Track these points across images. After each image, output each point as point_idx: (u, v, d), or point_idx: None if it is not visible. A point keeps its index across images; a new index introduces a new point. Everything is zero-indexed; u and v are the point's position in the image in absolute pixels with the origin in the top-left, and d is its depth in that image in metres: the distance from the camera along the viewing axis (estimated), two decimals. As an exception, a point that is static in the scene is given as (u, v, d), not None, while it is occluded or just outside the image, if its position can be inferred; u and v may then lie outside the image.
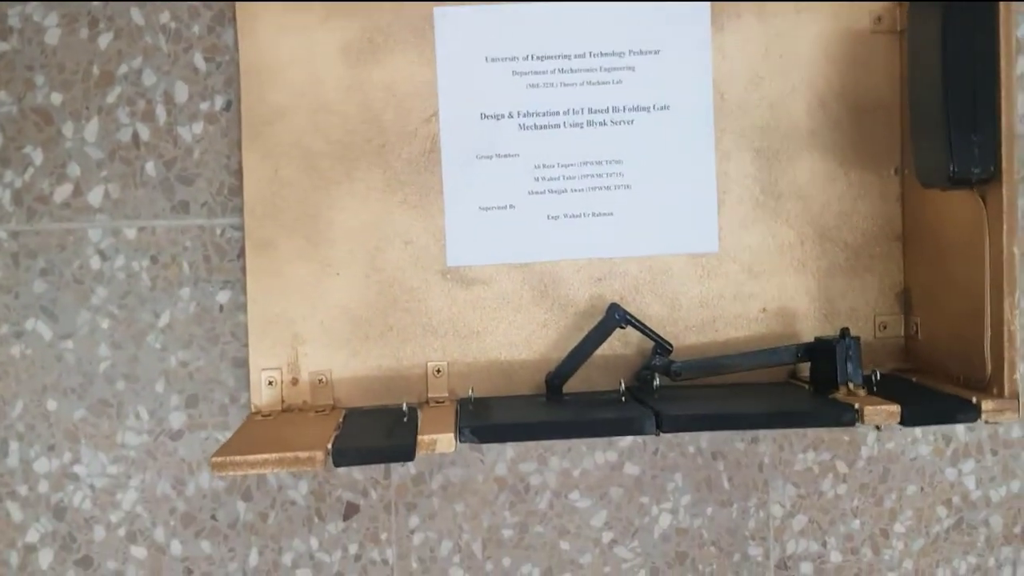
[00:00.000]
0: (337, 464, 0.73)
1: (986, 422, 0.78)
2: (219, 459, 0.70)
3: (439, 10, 0.88)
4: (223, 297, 0.89)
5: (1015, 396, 0.78)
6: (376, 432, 0.78)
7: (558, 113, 0.90)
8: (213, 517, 0.90)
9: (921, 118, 0.82)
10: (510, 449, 0.93)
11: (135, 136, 0.88)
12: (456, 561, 0.93)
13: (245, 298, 0.87)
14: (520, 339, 0.91)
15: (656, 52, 0.90)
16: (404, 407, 0.83)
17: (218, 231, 0.89)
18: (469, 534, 0.92)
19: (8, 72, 0.86)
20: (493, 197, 0.90)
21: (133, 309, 0.88)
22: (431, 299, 0.89)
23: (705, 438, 0.94)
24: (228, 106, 0.88)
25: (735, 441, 0.95)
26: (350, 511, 0.91)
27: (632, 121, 0.91)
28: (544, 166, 0.90)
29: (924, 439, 0.97)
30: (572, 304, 0.91)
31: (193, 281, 0.88)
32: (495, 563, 0.93)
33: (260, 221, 0.87)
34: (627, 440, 0.94)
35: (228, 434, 0.90)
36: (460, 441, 0.76)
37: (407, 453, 0.73)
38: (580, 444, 0.94)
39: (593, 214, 0.91)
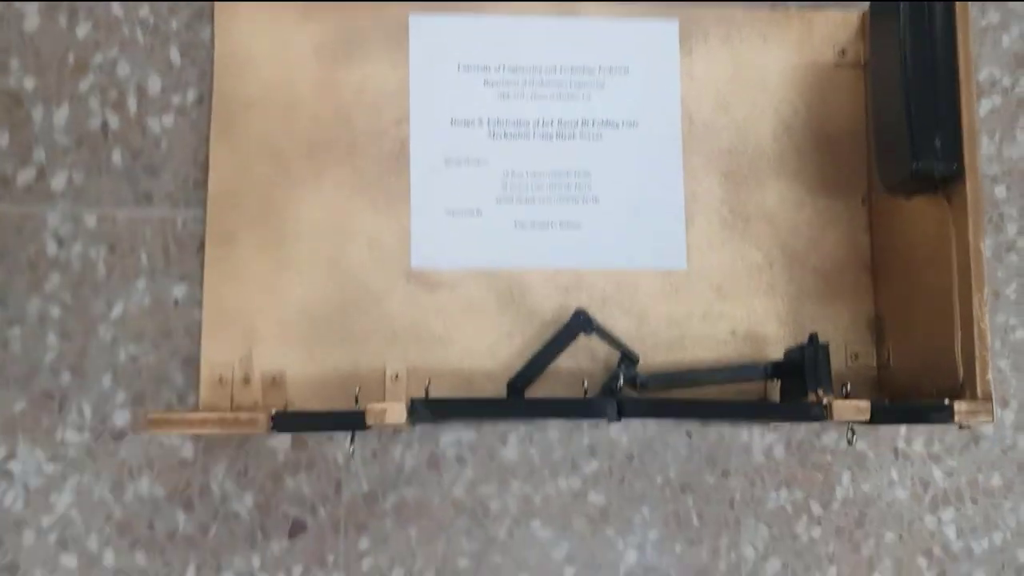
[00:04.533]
0: (278, 428, 0.81)
1: (959, 426, 0.88)
2: (157, 415, 0.76)
3: (414, 17, 1.03)
4: (179, 291, 0.98)
5: (988, 398, 0.88)
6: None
7: (528, 124, 1.04)
8: (150, 527, 0.95)
9: (883, 121, 0.96)
10: (469, 470, 0.98)
11: (104, 125, 1.00)
12: (407, 589, 0.97)
13: (202, 294, 0.95)
14: (484, 347, 1.00)
15: (625, 70, 1.04)
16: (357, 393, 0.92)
17: (180, 223, 0.99)
18: (422, 562, 0.98)
19: (-17, 55, 0.97)
20: (460, 202, 1.02)
21: (86, 299, 0.97)
22: (393, 302, 0.99)
23: (673, 468, 1.02)
24: (200, 100, 1.01)
25: (704, 474, 1.02)
26: (296, 529, 0.96)
27: (600, 136, 1.04)
28: (513, 174, 1.03)
29: (901, 482, 1.05)
30: (538, 314, 1.01)
31: (150, 273, 0.98)
32: (449, 593, 0.98)
33: (223, 213, 0.98)
34: (592, 465, 1.01)
35: (173, 438, 0.97)
36: (411, 419, 0.84)
37: (357, 421, 0.80)
38: (543, 468, 1.01)
39: (560, 224, 1.03)
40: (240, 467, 0.99)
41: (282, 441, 1.00)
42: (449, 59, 1.04)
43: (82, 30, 1.00)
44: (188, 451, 0.98)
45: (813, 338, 0.95)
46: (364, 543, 0.99)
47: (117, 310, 0.98)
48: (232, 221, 0.99)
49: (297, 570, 0.98)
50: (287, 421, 0.83)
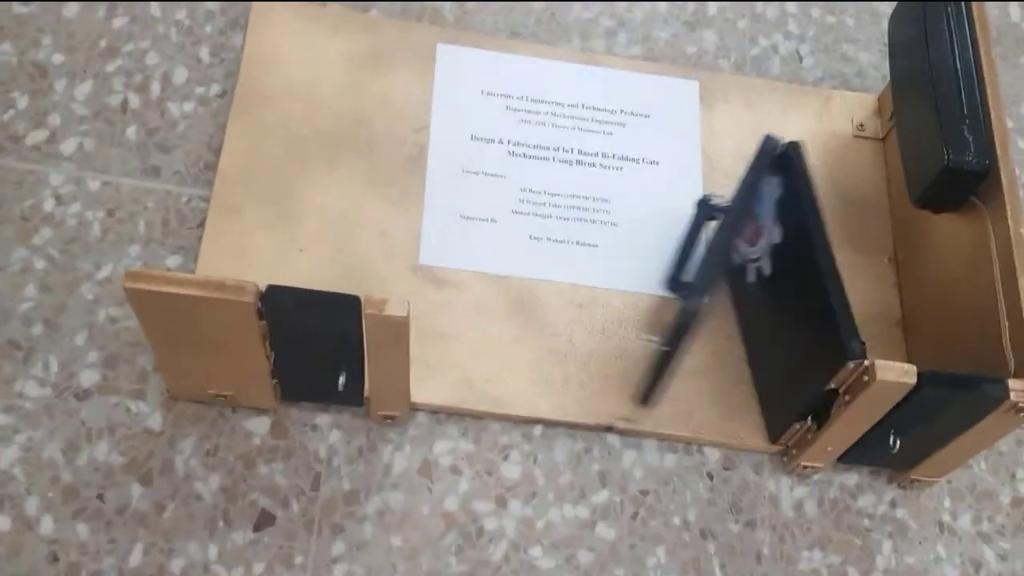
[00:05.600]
0: (269, 301, 0.75)
1: (1016, 410, 0.79)
2: (136, 270, 0.71)
3: (442, 46, 1.06)
4: (173, 262, 0.95)
5: None
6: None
7: (548, 148, 1.06)
8: (100, 497, 0.85)
9: (910, 134, 0.97)
10: (464, 482, 0.89)
11: (124, 103, 1.01)
12: (383, 607, 0.84)
13: (195, 266, 0.91)
14: (490, 350, 0.94)
15: (647, 116, 1.08)
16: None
17: (184, 199, 0.98)
18: (403, 576, 0.85)
19: (18, 29, 1.04)
20: (475, 209, 1.02)
21: (75, 256, 0.94)
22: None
23: (692, 511, 0.91)
24: (223, 94, 1.03)
25: (727, 522, 0.91)
26: (264, 521, 0.86)
27: (621, 168, 1.05)
28: (531, 191, 1.03)
29: (949, 559, 0.94)
30: (549, 325, 0.97)
31: (145, 241, 0.95)
32: (430, 619, 0.87)
33: (231, 187, 0.98)
34: (602, 496, 0.91)
35: (142, 405, 0.89)
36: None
37: (353, 302, 0.75)
38: (547, 492, 0.90)
39: (577, 243, 1.01)
40: (210, 446, 0.91)
41: (260, 424, 0.92)
42: (473, 85, 1.08)
43: (119, 22, 1.06)
44: (156, 421, 0.90)
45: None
46: (339, 547, 0.88)
47: (105, 271, 0.95)
48: (239, 195, 0.98)
49: (258, 567, 0.87)
50: (281, 293, 0.76)
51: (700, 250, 0.99)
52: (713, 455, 0.99)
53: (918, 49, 0.97)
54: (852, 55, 1.21)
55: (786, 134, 1.11)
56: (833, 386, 0.86)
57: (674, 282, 0.98)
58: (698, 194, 1.05)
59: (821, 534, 0.98)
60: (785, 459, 0.98)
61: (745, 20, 1.22)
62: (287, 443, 0.92)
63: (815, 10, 1.23)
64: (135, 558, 0.86)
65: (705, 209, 1.01)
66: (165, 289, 0.75)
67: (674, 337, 0.90)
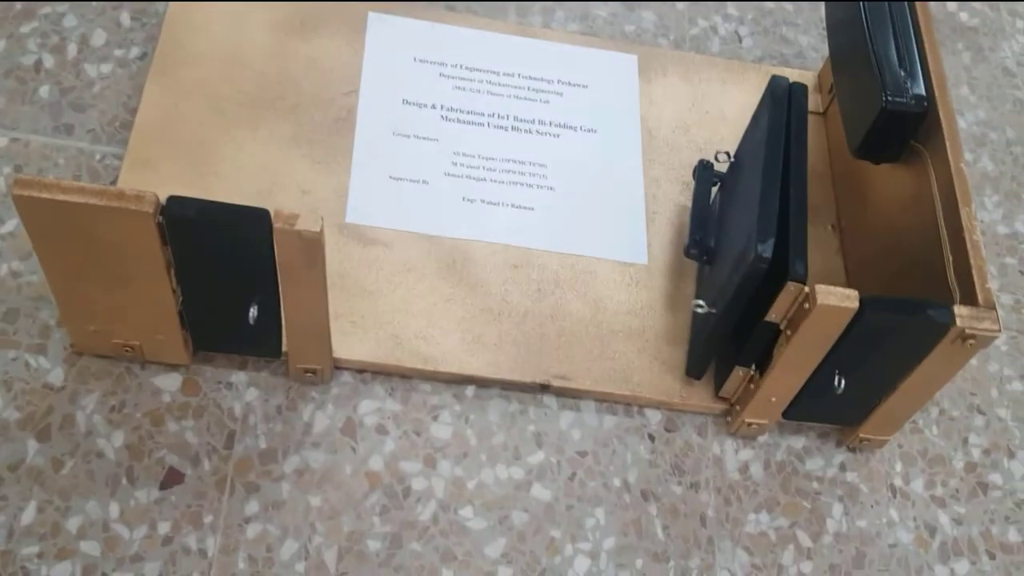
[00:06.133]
0: (168, 215, 0.69)
1: (964, 338, 0.76)
2: (27, 177, 0.66)
3: (374, 15, 1.02)
4: None
5: (991, 305, 0.78)
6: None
7: (483, 114, 1.02)
8: (-10, 453, 0.76)
9: (848, 88, 0.93)
10: (391, 442, 0.82)
11: (38, 63, 0.97)
12: (299, 570, 0.78)
13: (108, 223, 0.85)
14: (419, 308, 0.89)
15: (584, 86, 1.04)
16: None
17: (97, 156, 0.93)
18: (323, 537, 0.79)
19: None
20: (406, 170, 0.97)
21: (-22, 210, 0.86)
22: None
23: (633, 473, 0.85)
24: (143, 56, 0.98)
25: (670, 483, 0.85)
26: (171, 479, 0.79)
27: (558, 135, 1.02)
28: (464, 154, 0.99)
29: (903, 523, 0.88)
30: (483, 285, 0.92)
31: None
32: (350, 584, 0.81)
33: (145, 143, 0.93)
34: (537, 456, 0.85)
35: (42, 360, 0.82)
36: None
37: (262, 219, 0.69)
38: (479, 453, 0.84)
39: (512, 205, 0.96)
40: (116, 402, 0.84)
41: (170, 381, 0.85)
42: (405, 52, 1.05)
43: (36, -13, 1.03)
44: (57, 376, 0.83)
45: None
46: (252, 506, 0.81)
47: (9, 226, 0.89)
48: (153, 151, 0.93)
49: (164, 527, 0.79)
50: (180, 205, 0.70)
51: (713, 213, 0.95)
52: (655, 417, 0.92)
53: (855, 12, 0.95)
54: (792, 37, 1.19)
55: (727, 107, 1.09)
56: (774, 318, 0.80)
57: (697, 248, 0.93)
58: (637, 163, 1.01)
59: (768, 496, 0.91)
60: (729, 418, 0.92)
61: (684, 3, 1.20)
62: (199, 400, 0.85)
63: (753, -5, 1.24)
64: (27, 516, 0.78)
65: (707, 174, 0.98)
66: (59, 197, 0.69)
67: (731, 299, 0.83)
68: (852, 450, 0.94)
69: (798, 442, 0.93)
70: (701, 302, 0.87)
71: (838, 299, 0.77)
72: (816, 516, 0.91)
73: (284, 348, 0.84)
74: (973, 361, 1.02)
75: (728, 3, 1.20)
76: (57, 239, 0.73)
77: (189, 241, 0.73)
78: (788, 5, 1.21)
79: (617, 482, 0.89)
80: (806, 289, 0.78)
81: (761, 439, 0.93)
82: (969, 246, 0.82)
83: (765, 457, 0.93)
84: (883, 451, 0.95)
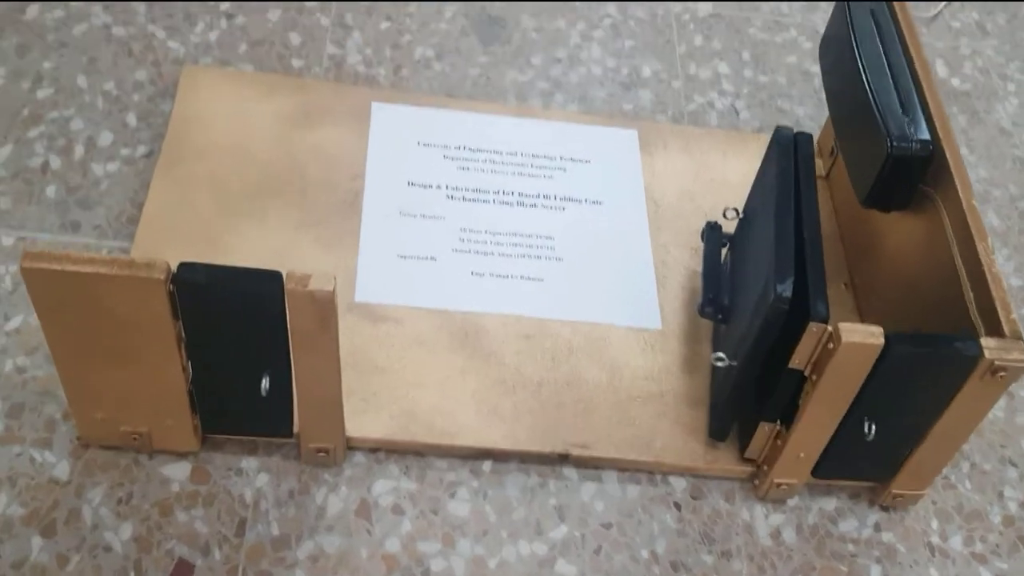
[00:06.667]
0: (180, 281, 0.67)
1: (994, 371, 0.72)
2: (35, 250, 0.64)
3: (377, 104, 1.03)
4: None
5: (1019, 336, 0.75)
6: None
7: (488, 192, 1.01)
8: (-6, 551, 0.72)
9: (852, 140, 0.92)
10: (407, 522, 0.78)
11: (45, 164, 0.96)
12: (317, 661, 0.72)
13: (115, 314, 0.83)
14: (432, 382, 0.86)
15: (587, 161, 1.03)
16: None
17: (104, 251, 0.90)
18: (340, 626, 0.73)
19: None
20: (414, 248, 0.96)
21: (-15, 310, 0.84)
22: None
23: (661, 543, 0.80)
24: (149, 154, 0.98)
25: (700, 553, 0.80)
26: (181, 570, 0.74)
27: (564, 208, 1.00)
28: (471, 230, 0.98)
29: (948, 586, 0.82)
30: (496, 356, 0.90)
31: None
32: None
33: (152, 235, 0.92)
34: (560, 531, 0.80)
35: (47, 454, 0.79)
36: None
37: (275, 282, 0.68)
38: (500, 529, 0.80)
39: (522, 277, 0.94)
40: (123, 494, 0.80)
41: (179, 470, 0.82)
42: (409, 137, 1.04)
43: (43, 93, 1.01)
44: (63, 469, 0.80)
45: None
46: (266, 596, 0.77)
47: (14, 323, 0.86)
48: (161, 243, 0.91)
49: (174, 620, 0.75)
50: (192, 270, 0.68)
51: (725, 272, 0.93)
52: (679, 484, 0.89)
53: (849, 59, 0.93)
54: (788, 108, 1.19)
55: (730, 175, 1.08)
56: (798, 364, 0.77)
57: (711, 306, 0.91)
58: (644, 231, 1.00)
59: (804, 561, 0.87)
60: (756, 481, 0.88)
61: (679, 81, 1.19)
62: (209, 488, 0.82)
63: (747, 71, 1.22)
64: (32, 614, 0.76)
65: (716, 234, 0.96)
66: (69, 268, 0.67)
67: (752, 346, 0.79)
68: (885, 509, 0.90)
69: (829, 504, 0.89)
70: (721, 354, 0.84)
71: (863, 336, 0.74)
72: (855, 579, 0.87)
73: (296, 428, 0.82)
74: (1000, 414, 1.00)
75: (722, 79, 1.21)
76: (66, 314, 0.71)
77: (200, 309, 0.72)
78: (781, 79, 1.22)
79: (645, 554, 0.85)
80: (829, 329, 0.75)
81: (791, 502, 0.89)
82: (990, 279, 0.79)
83: (797, 521, 0.89)
84: (917, 509, 0.90)
